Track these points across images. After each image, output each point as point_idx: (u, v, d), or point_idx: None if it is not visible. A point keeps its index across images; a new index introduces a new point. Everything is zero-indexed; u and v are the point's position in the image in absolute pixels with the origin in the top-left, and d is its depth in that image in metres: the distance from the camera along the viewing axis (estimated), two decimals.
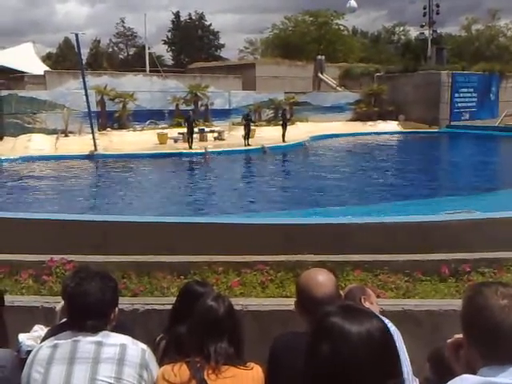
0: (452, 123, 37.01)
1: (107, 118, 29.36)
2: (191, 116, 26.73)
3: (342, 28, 62.45)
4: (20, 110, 26.51)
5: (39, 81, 30.54)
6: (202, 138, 28.31)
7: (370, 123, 36.49)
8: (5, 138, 25.69)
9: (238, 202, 14.92)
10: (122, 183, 18.32)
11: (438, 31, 44.51)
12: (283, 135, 28.10)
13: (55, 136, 26.03)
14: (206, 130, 29.57)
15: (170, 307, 3.52)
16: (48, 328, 3.28)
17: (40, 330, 3.47)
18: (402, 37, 69.74)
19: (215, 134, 29.48)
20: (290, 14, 63.43)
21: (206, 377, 2.43)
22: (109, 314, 2.47)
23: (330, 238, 6.16)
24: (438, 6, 41.75)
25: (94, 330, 2.37)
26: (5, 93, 26.69)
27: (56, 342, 2.38)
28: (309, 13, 59.69)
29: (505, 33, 60.67)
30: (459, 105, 38.02)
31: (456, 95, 37.65)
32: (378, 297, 4.00)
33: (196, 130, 27.49)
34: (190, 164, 23.36)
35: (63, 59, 62.73)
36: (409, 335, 2.92)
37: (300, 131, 31.15)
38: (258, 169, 22.86)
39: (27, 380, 2.34)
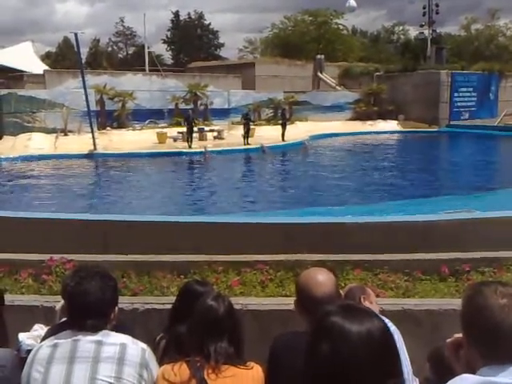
0: (451, 123, 37.02)
1: (107, 117, 29.36)
2: (191, 115, 26.73)
3: (341, 27, 62.50)
4: (19, 109, 26.50)
5: (39, 80, 30.54)
6: (202, 138, 28.31)
7: (369, 122, 36.49)
8: (4, 137, 25.69)
9: (238, 202, 14.92)
10: (121, 182, 18.31)
11: (438, 31, 44.62)
12: (283, 134, 28.11)
13: (55, 135, 26.03)
14: (206, 129, 29.57)
15: (169, 306, 3.52)
16: (48, 327, 3.28)
17: (40, 329, 3.47)
18: (402, 36, 69.79)
19: (215, 134, 29.49)
20: (290, 13, 63.62)
21: (205, 376, 2.43)
22: (109, 313, 2.47)
23: (330, 238, 6.16)
24: (437, 5, 41.77)
25: (94, 330, 2.37)
26: (4, 92, 26.69)
27: (56, 341, 2.38)
28: (308, 12, 59.69)
29: (504, 32, 60.68)
30: (459, 104, 38.03)
31: (455, 95, 37.66)
32: (377, 296, 4.01)
33: (195, 129, 27.48)
34: (190, 163, 23.36)
35: (62, 58, 62.75)
36: (409, 335, 2.92)
37: (299, 130, 31.14)
38: (257, 168, 22.85)
39: (27, 379, 2.34)
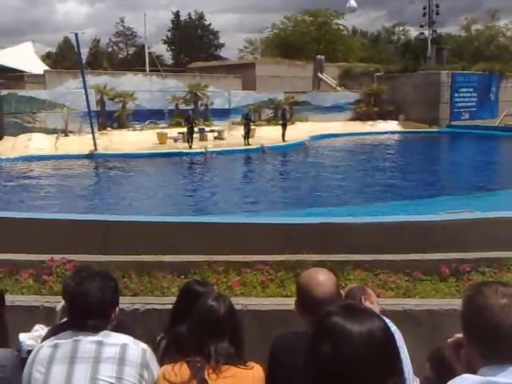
0: (452, 123, 37.02)
1: (107, 117, 29.37)
2: (191, 116, 26.74)
3: (341, 28, 62.48)
4: (20, 110, 26.52)
5: (39, 80, 30.55)
6: (202, 138, 28.32)
7: (369, 123, 36.48)
8: (5, 137, 25.71)
9: (238, 202, 14.93)
10: (121, 183, 18.32)
11: (438, 31, 44.56)
12: (283, 135, 28.12)
13: (55, 135, 26.04)
14: (206, 129, 29.57)
15: (170, 307, 3.52)
16: (48, 328, 3.28)
17: (40, 329, 3.47)
18: (402, 37, 69.77)
19: (215, 134, 29.50)
20: (290, 13, 63.58)
21: (206, 376, 2.43)
22: (109, 313, 2.47)
23: (330, 238, 6.16)
24: (437, 6, 41.77)
25: (95, 330, 2.38)
26: (4, 92, 26.71)
27: (57, 341, 2.39)
28: (308, 12, 59.69)
29: (504, 33, 60.72)
30: (459, 105, 38.02)
31: (456, 95, 37.66)
32: (378, 296, 4.00)
33: (196, 129, 27.50)
34: (190, 164, 23.36)
35: (63, 59, 62.74)
36: (409, 335, 2.92)
37: (300, 131, 31.14)
38: (257, 168, 22.84)
39: (28, 380, 2.34)
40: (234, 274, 5.26)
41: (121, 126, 29.68)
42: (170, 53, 74.56)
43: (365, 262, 5.33)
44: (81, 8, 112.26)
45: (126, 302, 4.37)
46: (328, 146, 28.82)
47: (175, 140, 27.70)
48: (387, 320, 2.06)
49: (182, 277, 5.18)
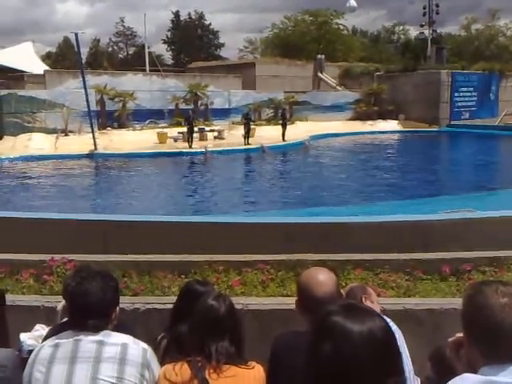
0: (452, 122, 37.04)
1: (107, 117, 29.39)
2: (191, 115, 26.76)
3: (341, 27, 62.51)
4: (20, 110, 26.54)
5: (39, 80, 30.56)
6: (202, 138, 28.34)
7: (369, 122, 36.50)
8: (5, 137, 25.72)
9: (238, 202, 14.93)
10: (121, 183, 18.33)
11: (438, 31, 44.65)
12: (283, 134, 28.13)
13: (55, 135, 26.06)
14: (206, 129, 29.60)
15: (170, 306, 3.52)
16: (49, 327, 3.28)
17: (41, 329, 3.47)
18: (402, 36, 69.79)
19: (215, 134, 29.51)
20: (290, 13, 63.62)
21: (207, 376, 2.43)
22: (110, 313, 2.47)
23: (330, 238, 6.16)
24: (437, 5, 41.79)
25: (96, 330, 2.38)
26: (4, 92, 26.72)
27: (57, 341, 2.39)
28: (308, 12, 59.70)
29: (504, 32, 60.69)
30: (459, 104, 38.04)
31: (456, 94, 37.68)
32: (378, 296, 4.00)
33: (196, 129, 27.52)
34: (190, 163, 23.36)
35: (63, 58, 62.75)
36: (410, 334, 2.92)
37: (300, 130, 31.16)
38: (257, 168, 22.85)
39: (29, 379, 2.34)
40: (235, 273, 5.26)
41: (121, 126, 29.69)
42: (170, 53, 74.67)
43: (365, 262, 5.33)
44: (81, 8, 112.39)
45: (126, 302, 4.37)
46: (328, 146, 28.84)
47: (175, 140, 27.71)
48: (388, 319, 2.06)
49: (183, 276, 5.18)
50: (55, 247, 5.73)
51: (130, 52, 75.16)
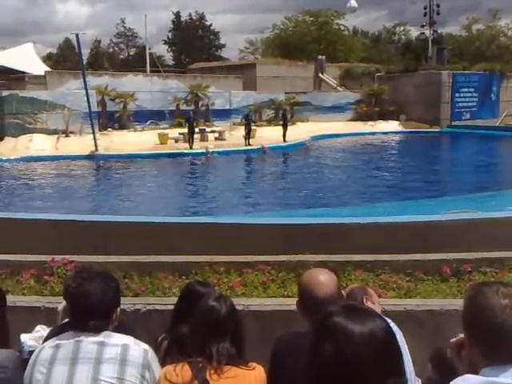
0: (453, 123, 37.03)
1: (108, 118, 29.40)
2: (192, 116, 26.79)
3: (342, 28, 62.54)
4: (21, 111, 26.55)
5: (40, 81, 30.57)
6: (203, 138, 28.35)
7: (370, 123, 36.50)
8: (6, 138, 25.73)
9: (239, 202, 14.93)
10: (122, 183, 18.34)
11: (439, 31, 44.60)
12: (284, 135, 28.14)
13: (56, 136, 26.07)
14: (207, 130, 29.61)
15: (171, 307, 3.52)
16: (50, 328, 3.28)
17: (42, 330, 3.47)
18: (403, 37, 69.79)
19: (216, 134, 29.52)
20: (291, 14, 63.59)
21: (208, 377, 2.43)
22: (111, 314, 2.47)
23: (331, 238, 6.16)
24: (438, 6, 41.75)
25: (96, 331, 2.38)
26: (6, 93, 26.74)
27: (58, 342, 2.39)
28: (309, 13, 59.73)
29: (505, 32, 60.73)
30: (460, 105, 38.03)
31: (457, 95, 37.67)
32: (379, 297, 4.00)
33: (197, 130, 27.53)
34: (191, 164, 23.38)
35: (64, 59, 62.78)
36: (411, 335, 2.92)
37: (301, 131, 31.18)
38: (258, 169, 22.88)
39: (29, 380, 2.34)
40: (236, 274, 5.26)
41: (122, 127, 29.70)
42: (171, 53, 74.68)
43: (366, 263, 5.33)
44: (81, 9, 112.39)
45: (127, 303, 4.37)
46: (329, 147, 28.84)
47: (176, 140, 27.73)
48: (389, 320, 2.06)
49: (184, 277, 5.18)
50: (56, 248, 5.74)
51: (131, 53, 75.23)
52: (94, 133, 24.22)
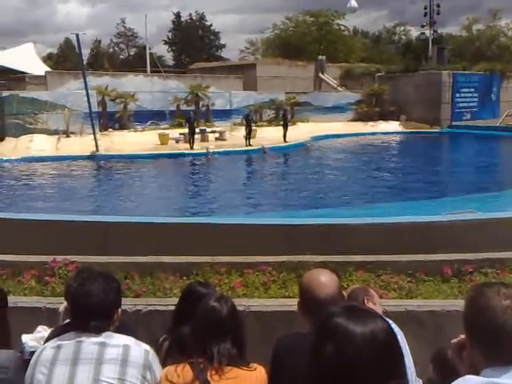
0: (453, 123, 37.01)
1: (108, 118, 29.40)
2: (192, 116, 26.81)
3: (342, 28, 62.48)
4: (21, 111, 26.56)
5: (40, 81, 30.57)
6: (204, 139, 28.37)
7: (371, 123, 36.50)
8: (6, 138, 25.73)
9: (240, 203, 14.93)
10: (123, 184, 18.34)
11: (439, 31, 44.63)
12: (284, 135, 28.15)
13: (56, 136, 26.07)
14: (207, 130, 29.62)
15: (172, 308, 3.53)
16: (51, 329, 3.28)
17: (43, 330, 3.47)
18: (403, 37, 69.77)
19: (216, 135, 29.53)
20: (291, 14, 63.52)
21: (209, 378, 2.43)
22: (112, 314, 2.47)
23: (332, 239, 6.16)
24: (438, 6, 41.74)
25: (98, 331, 2.38)
26: (6, 93, 26.74)
27: (59, 342, 2.39)
28: (309, 13, 59.69)
29: (506, 33, 60.72)
30: (460, 105, 38.01)
31: (457, 95, 37.65)
32: (380, 297, 4.00)
33: (197, 130, 27.54)
34: (192, 164, 23.38)
35: (64, 60, 62.78)
36: (412, 336, 2.92)
37: (301, 131, 31.18)
38: (259, 169, 22.87)
39: (31, 381, 2.35)
40: (237, 275, 5.26)
41: (122, 127, 29.70)
42: (171, 53, 74.67)
43: (367, 263, 5.33)
44: (82, 9, 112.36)
45: (128, 303, 4.38)
46: (329, 147, 28.83)
47: (176, 141, 27.74)
48: (390, 321, 2.06)
49: (185, 278, 5.19)
50: (57, 248, 5.74)
51: (131, 53, 75.23)
52: (94, 133, 24.23)
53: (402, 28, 69.97)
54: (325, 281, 2.49)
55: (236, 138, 28.51)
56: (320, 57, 43.58)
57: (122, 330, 2.53)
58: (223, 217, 11.15)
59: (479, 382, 1.57)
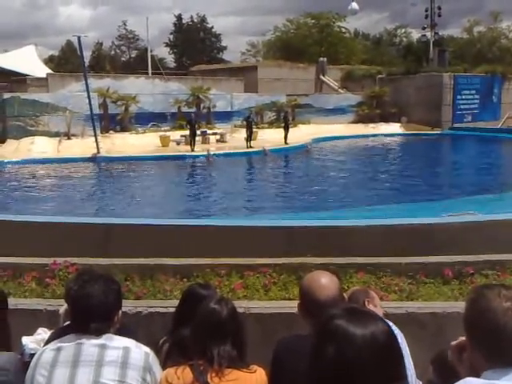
0: (454, 125, 37.00)
1: (109, 120, 29.41)
2: (193, 118, 26.83)
3: (343, 30, 62.53)
4: (23, 113, 26.57)
5: (41, 83, 30.60)
6: (205, 141, 28.39)
7: (372, 125, 36.51)
8: (8, 140, 25.74)
9: (240, 205, 14.92)
10: (124, 186, 18.33)
11: (440, 33, 44.61)
12: (285, 137, 28.16)
13: (58, 139, 26.08)
14: (209, 132, 29.63)
15: (173, 310, 3.53)
16: (51, 331, 3.28)
17: (43, 332, 3.47)
18: (404, 39, 69.86)
19: (217, 137, 29.55)
20: (292, 16, 63.55)
21: (209, 380, 2.43)
22: (112, 316, 2.47)
23: (333, 241, 6.15)
24: (439, 8, 41.72)
25: (98, 333, 2.38)
26: (7, 95, 26.76)
27: (60, 344, 2.39)
28: (311, 15, 59.76)
29: (507, 35, 60.68)
30: (461, 107, 38.01)
31: (458, 97, 37.65)
32: (381, 299, 4.00)
33: (198, 132, 27.56)
34: (193, 166, 23.38)
35: (65, 62, 62.90)
36: (412, 338, 2.92)
37: (302, 133, 31.17)
38: (260, 171, 22.87)
39: (31, 383, 2.34)
40: (237, 277, 5.27)
41: (123, 129, 29.71)
42: (173, 56, 74.76)
43: (368, 265, 5.33)
44: (83, 11, 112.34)
45: (128, 305, 4.38)
46: (330, 149, 28.82)
47: (178, 143, 27.75)
48: (390, 323, 2.06)
49: (185, 280, 5.19)
50: (57, 250, 5.74)
51: (133, 55, 75.32)
52: (95, 135, 24.24)
53: (403, 30, 70.14)
54: (325, 283, 2.49)
55: (237, 139, 28.52)
56: (321, 59, 43.60)
57: (122, 332, 2.52)
58: (224, 219, 11.15)
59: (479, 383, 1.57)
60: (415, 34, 58.53)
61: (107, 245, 6.35)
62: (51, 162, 22.63)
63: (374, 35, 75.83)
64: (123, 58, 76.34)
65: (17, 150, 24.18)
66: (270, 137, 29.27)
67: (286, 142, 27.96)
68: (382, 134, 34.34)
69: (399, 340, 1.87)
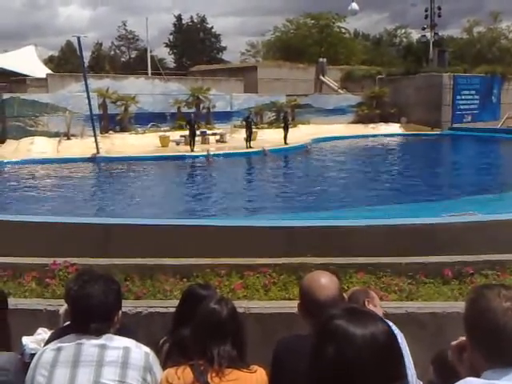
0: (454, 125, 37.01)
1: (109, 120, 29.41)
2: (193, 119, 26.82)
3: (343, 30, 62.52)
4: (22, 113, 26.57)
5: (41, 84, 30.58)
6: (204, 141, 28.40)
7: (371, 125, 36.53)
8: (7, 140, 25.74)
9: (240, 205, 14.92)
10: (124, 186, 18.33)
11: (440, 34, 44.67)
12: (285, 138, 28.16)
13: (57, 139, 26.08)
14: (208, 132, 29.63)
15: (173, 310, 3.53)
16: (51, 331, 3.28)
17: (43, 332, 3.47)
18: (404, 39, 69.89)
19: (217, 137, 29.55)
20: (292, 16, 63.55)
21: (209, 380, 2.43)
22: (112, 316, 2.47)
23: (332, 241, 6.15)
24: (439, 8, 41.74)
25: (98, 333, 2.38)
26: (7, 96, 26.76)
27: (60, 345, 2.39)
28: (310, 15, 59.76)
29: (506, 35, 60.68)
30: (461, 107, 38.02)
31: (458, 97, 37.66)
32: (381, 299, 4.00)
33: (198, 132, 27.55)
34: (192, 167, 23.38)
35: (65, 62, 62.88)
36: (412, 338, 2.92)
37: (302, 133, 31.19)
38: (259, 171, 22.87)
39: (31, 383, 2.34)
40: (237, 277, 5.27)
41: (123, 130, 29.71)
42: (172, 56, 74.75)
43: (368, 265, 5.33)
44: (83, 12, 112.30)
45: (128, 306, 4.38)
46: (330, 149, 28.82)
47: (177, 143, 27.75)
48: (390, 323, 2.06)
49: (185, 280, 5.19)
50: (57, 250, 5.74)
51: (132, 55, 75.30)
52: (95, 135, 24.24)
53: (403, 30, 70.16)
54: (325, 283, 2.49)
55: (236, 140, 28.52)
56: (321, 59, 43.61)
57: (122, 332, 2.52)
58: (223, 219, 11.15)
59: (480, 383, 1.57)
60: (415, 35, 58.66)
61: (107, 245, 6.35)
62: (51, 163, 22.63)
63: (373, 35, 75.96)
64: (123, 59, 76.36)
65: (16, 150, 24.18)
66: (269, 137, 29.28)
67: (285, 143, 27.96)
68: (381, 135, 34.36)
69: (399, 340, 1.87)
